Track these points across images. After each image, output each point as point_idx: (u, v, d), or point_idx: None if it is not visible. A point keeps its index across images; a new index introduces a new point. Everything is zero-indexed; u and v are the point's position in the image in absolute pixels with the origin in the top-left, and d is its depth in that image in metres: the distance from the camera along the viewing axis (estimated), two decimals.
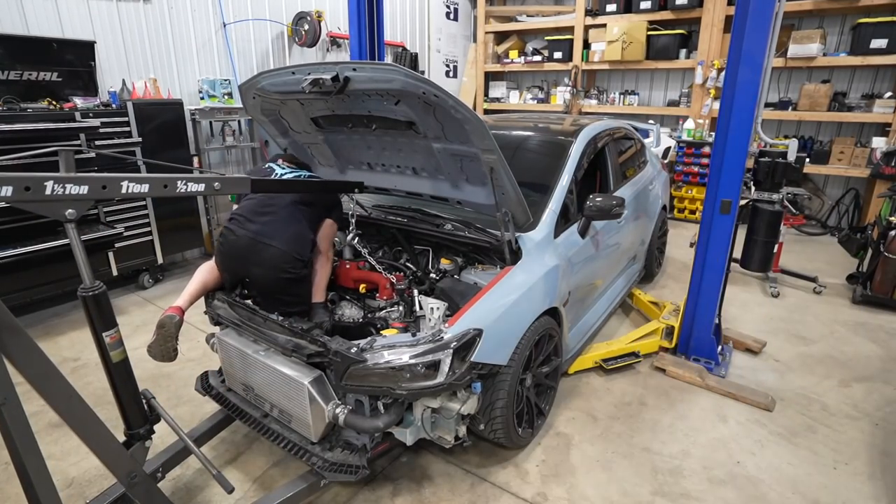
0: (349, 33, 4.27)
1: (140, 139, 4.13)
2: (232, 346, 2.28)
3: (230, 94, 5.12)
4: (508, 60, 8.06)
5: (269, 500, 1.94)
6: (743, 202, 3.18)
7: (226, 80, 5.13)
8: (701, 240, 3.00)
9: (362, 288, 2.51)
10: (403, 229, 2.71)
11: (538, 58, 7.83)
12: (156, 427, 1.87)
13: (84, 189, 1.40)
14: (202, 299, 2.47)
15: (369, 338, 2.04)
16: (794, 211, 4.00)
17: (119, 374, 1.65)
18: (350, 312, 2.53)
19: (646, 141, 4.58)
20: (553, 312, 2.49)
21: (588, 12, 7.16)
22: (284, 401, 2.11)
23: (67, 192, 1.37)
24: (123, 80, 4.35)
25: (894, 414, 2.78)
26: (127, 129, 4.08)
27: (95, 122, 3.76)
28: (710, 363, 3.12)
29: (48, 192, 1.33)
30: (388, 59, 6.84)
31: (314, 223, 2.41)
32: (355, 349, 1.95)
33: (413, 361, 1.92)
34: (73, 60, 3.94)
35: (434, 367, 1.93)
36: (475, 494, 2.23)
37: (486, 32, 8.12)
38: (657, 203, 4.22)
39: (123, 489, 1.68)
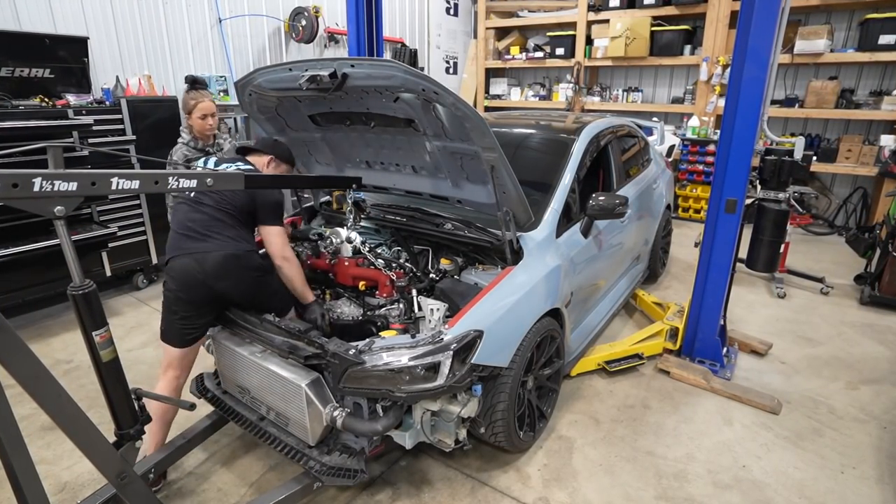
0: (347, 29, 4.23)
1: (134, 137, 4.07)
2: (228, 347, 2.24)
3: (226, 92, 5.07)
4: (510, 57, 8.00)
5: (262, 502, 1.91)
6: (749, 201, 3.13)
7: (221, 77, 5.09)
8: (706, 240, 2.95)
9: (362, 285, 2.47)
10: (403, 229, 2.67)
11: (540, 54, 7.76)
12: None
13: (73, 185, 1.39)
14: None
15: (368, 339, 2.00)
16: (800, 210, 3.93)
17: (109, 373, 1.62)
18: (349, 310, 2.49)
19: (649, 139, 4.52)
20: (555, 314, 2.45)
21: (591, 8, 7.09)
22: (281, 403, 2.08)
23: (56, 188, 1.35)
24: (117, 77, 4.30)
25: None
26: (121, 126, 4.03)
27: (89, 119, 3.70)
28: (714, 365, 3.07)
29: (36, 188, 1.32)
30: (387, 55, 6.78)
31: (249, 224, 2.24)
32: (353, 351, 1.91)
33: (412, 363, 1.88)
34: (65, 57, 3.87)
35: (434, 369, 1.89)
36: (475, 499, 2.19)
37: (487, 28, 8.06)
38: (661, 202, 4.17)
39: (114, 490, 1.66)
